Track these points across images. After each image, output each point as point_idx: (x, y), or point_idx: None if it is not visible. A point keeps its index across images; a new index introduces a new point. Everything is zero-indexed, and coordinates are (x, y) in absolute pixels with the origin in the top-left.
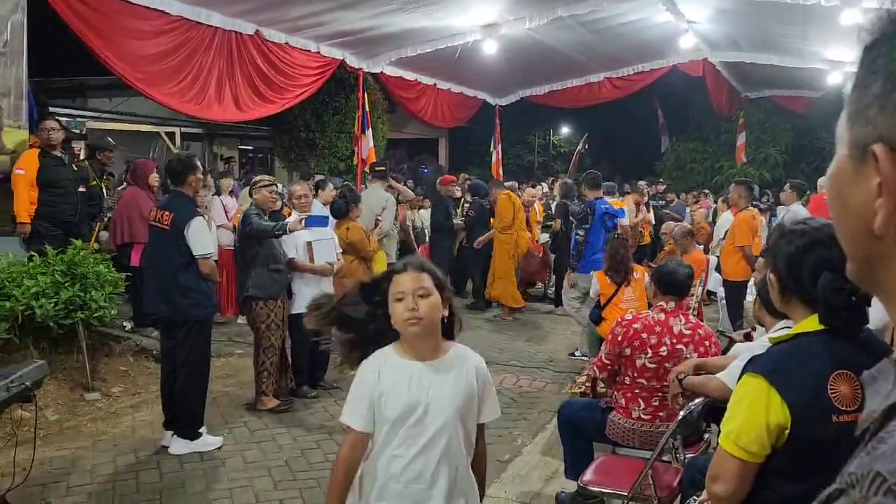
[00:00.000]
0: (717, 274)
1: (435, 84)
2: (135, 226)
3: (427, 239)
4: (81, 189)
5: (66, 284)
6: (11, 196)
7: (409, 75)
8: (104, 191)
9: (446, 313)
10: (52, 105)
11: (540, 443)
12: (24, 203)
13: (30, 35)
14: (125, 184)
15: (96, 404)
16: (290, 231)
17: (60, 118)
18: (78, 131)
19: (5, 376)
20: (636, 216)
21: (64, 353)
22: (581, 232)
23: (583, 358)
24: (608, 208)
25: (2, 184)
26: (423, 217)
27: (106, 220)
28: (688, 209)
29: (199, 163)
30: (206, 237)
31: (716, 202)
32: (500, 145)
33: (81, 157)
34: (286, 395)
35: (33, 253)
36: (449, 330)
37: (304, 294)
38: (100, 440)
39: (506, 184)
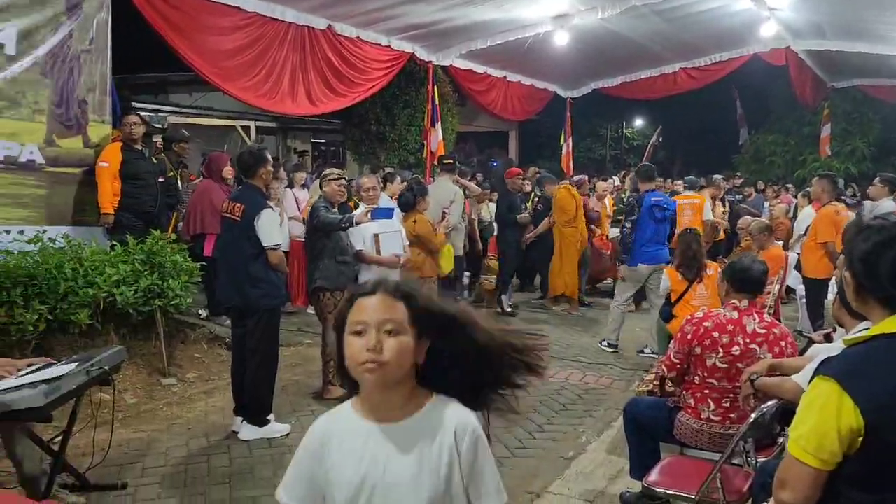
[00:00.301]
0: (797, 272)
1: (505, 76)
2: (206, 217)
3: (495, 232)
4: (160, 179)
5: (146, 273)
6: (96, 188)
7: (479, 68)
8: (179, 182)
9: (421, 360)
10: (135, 100)
11: (605, 441)
12: (108, 195)
13: (115, 33)
14: (201, 176)
15: (172, 389)
16: (357, 223)
17: (143, 113)
18: (160, 125)
19: (86, 360)
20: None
21: (143, 339)
22: (628, 224)
23: (652, 355)
24: (658, 200)
25: (87, 176)
26: (492, 210)
27: (184, 211)
28: (766, 204)
29: (269, 155)
30: (275, 229)
31: (796, 196)
32: (570, 138)
33: (160, 149)
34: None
35: (115, 242)
36: (428, 375)
37: None
38: (174, 424)
39: (574, 177)
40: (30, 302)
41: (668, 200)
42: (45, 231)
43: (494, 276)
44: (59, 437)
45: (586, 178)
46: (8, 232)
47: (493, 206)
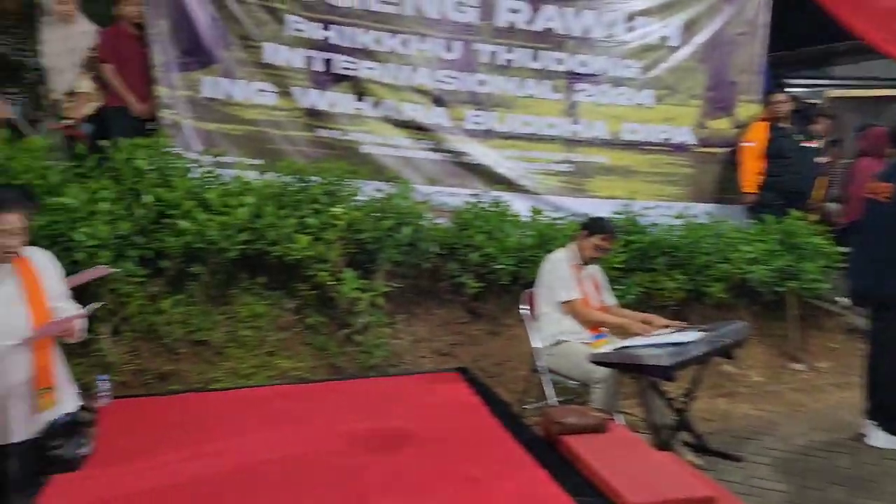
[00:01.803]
0: None
1: None
2: None
3: None
4: (805, 145)
5: (780, 253)
6: (737, 166)
7: None
8: (822, 156)
9: None
10: (792, 76)
11: None
12: (752, 174)
13: (774, 10)
14: (859, 155)
15: (800, 375)
16: None
17: (796, 89)
18: (816, 101)
19: (712, 331)
20: None
21: (772, 319)
22: None
23: None
24: None
25: (732, 155)
26: None
27: (834, 192)
28: None
29: None
30: None
31: None
32: None
33: (804, 122)
34: None
35: (754, 220)
36: None
37: None
38: (798, 411)
39: None
40: (671, 271)
41: None
42: (688, 207)
43: None
44: (684, 398)
45: None
46: (655, 207)
47: None
